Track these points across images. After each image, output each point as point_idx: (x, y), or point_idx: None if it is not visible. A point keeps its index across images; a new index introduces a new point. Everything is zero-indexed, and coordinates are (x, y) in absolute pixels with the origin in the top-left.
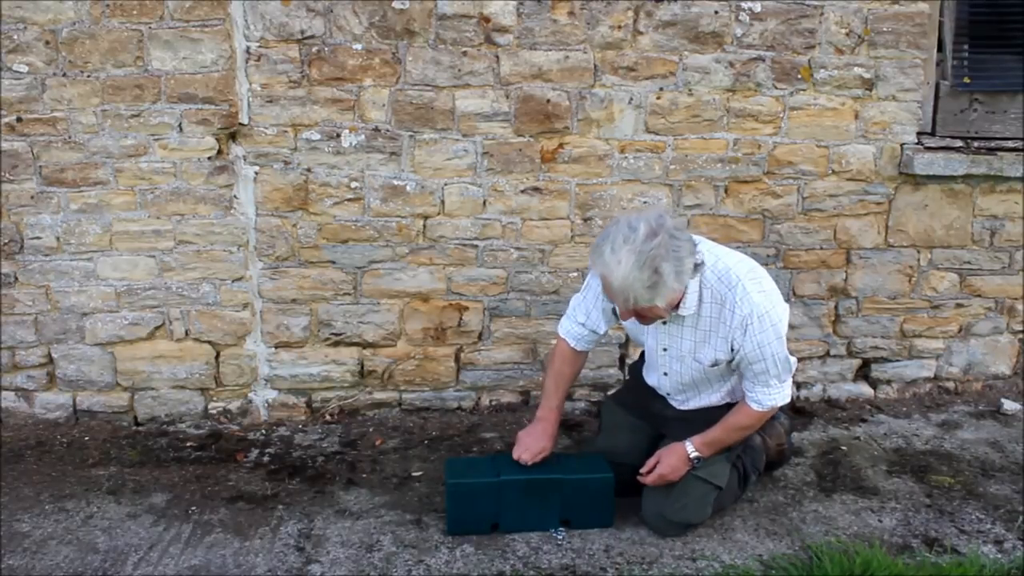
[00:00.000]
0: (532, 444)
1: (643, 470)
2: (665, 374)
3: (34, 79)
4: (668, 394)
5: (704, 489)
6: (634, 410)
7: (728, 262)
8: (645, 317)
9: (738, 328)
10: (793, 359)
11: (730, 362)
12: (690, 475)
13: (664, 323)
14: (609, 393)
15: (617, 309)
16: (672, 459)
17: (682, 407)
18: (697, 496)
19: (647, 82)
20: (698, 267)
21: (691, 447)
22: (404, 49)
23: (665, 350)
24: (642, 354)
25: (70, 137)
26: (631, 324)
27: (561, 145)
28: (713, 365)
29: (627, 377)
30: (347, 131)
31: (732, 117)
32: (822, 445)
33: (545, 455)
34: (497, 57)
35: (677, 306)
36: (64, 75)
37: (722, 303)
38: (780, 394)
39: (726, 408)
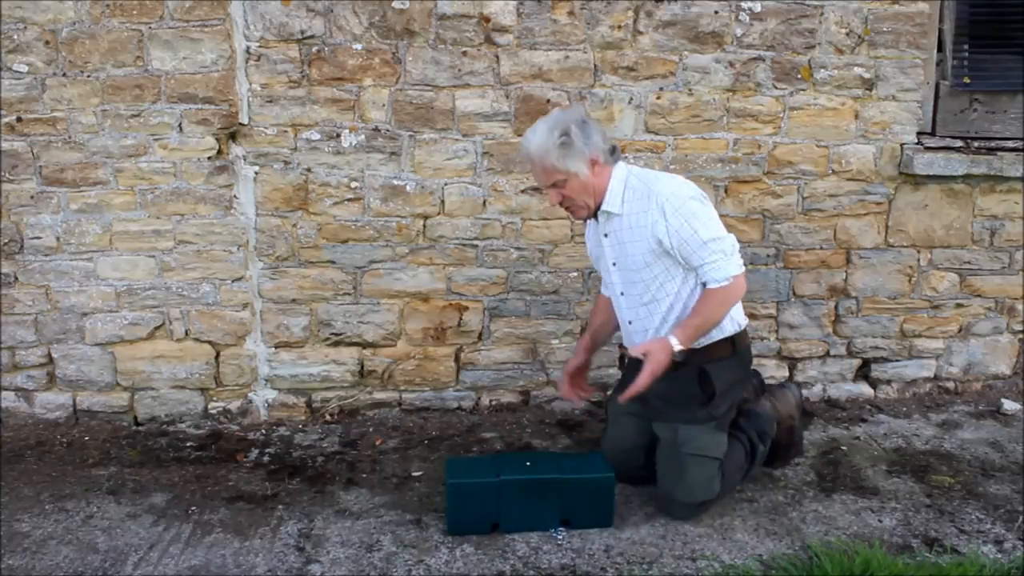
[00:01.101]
0: (567, 368)
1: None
2: (622, 294)
3: (34, 79)
4: (630, 322)
5: (700, 464)
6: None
7: (654, 171)
8: (571, 202)
9: (656, 210)
10: (732, 239)
11: (662, 256)
12: (684, 455)
13: (606, 236)
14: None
15: (544, 192)
16: (657, 352)
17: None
18: (696, 473)
19: (647, 82)
20: (615, 155)
21: (674, 339)
22: (404, 49)
23: (615, 264)
24: None
25: (70, 137)
26: (593, 249)
27: None
28: (646, 264)
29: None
30: (347, 131)
31: (732, 117)
32: (822, 445)
33: (579, 364)
34: (497, 57)
35: (600, 205)
36: (64, 75)
37: (644, 198)
38: (730, 264)
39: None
